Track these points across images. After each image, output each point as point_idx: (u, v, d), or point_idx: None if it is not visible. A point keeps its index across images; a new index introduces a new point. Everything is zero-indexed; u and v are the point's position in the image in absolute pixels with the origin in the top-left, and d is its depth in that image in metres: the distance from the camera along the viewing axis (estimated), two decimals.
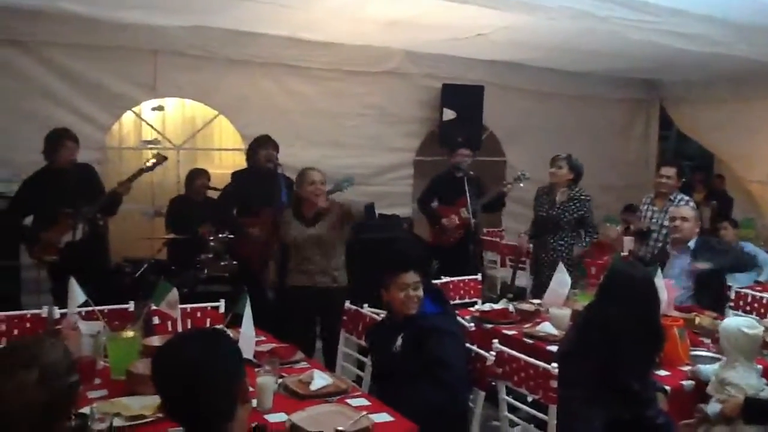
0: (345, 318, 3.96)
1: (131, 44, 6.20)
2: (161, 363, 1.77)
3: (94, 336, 2.89)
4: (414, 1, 5.43)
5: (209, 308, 3.86)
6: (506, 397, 3.14)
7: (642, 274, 3.18)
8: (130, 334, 2.98)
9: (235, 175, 5.44)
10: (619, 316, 2.92)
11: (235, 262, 5.51)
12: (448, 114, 7.50)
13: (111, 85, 6.20)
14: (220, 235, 5.61)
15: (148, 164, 4.82)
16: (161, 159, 4.88)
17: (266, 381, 2.66)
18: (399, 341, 3.08)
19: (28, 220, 4.78)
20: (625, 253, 5.35)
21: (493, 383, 3.11)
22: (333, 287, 4.40)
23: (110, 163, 6.38)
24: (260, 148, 5.18)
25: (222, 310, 3.89)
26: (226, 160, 7.34)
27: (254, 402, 2.51)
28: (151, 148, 6.51)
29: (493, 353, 3.03)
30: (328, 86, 7.16)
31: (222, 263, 5.57)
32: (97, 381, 2.88)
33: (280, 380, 2.84)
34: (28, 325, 3.51)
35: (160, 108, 6.58)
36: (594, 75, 8.35)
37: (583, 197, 5.42)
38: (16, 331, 3.44)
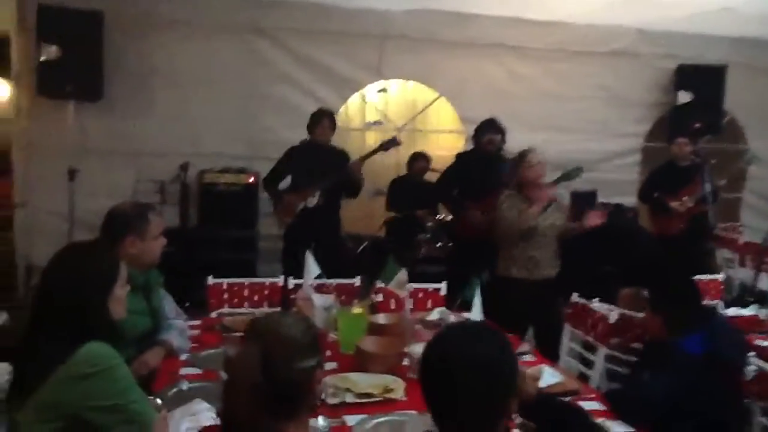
0: (570, 311, 3.76)
1: (360, 30, 6.43)
2: (444, 359, 1.61)
3: (327, 309, 2.99)
4: None
5: (431, 290, 3.84)
6: (762, 420, 2.77)
7: None
8: (358, 310, 3.05)
9: (459, 156, 5.42)
10: None
11: (450, 244, 5.52)
12: (684, 97, 6.87)
13: (340, 69, 6.47)
14: (438, 217, 5.64)
15: (383, 143, 4.95)
16: (394, 143, 4.99)
17: None
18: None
19: (285, 184, 5.11)
20: None
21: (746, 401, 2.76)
22: (550, 279, 4.19)
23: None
24: (485, 131, 5.10)
25: (443, 292, 3.86)
26: (444, 142, 7.35)
27: None
28: (374, 129, 6.72)
29: (753, 368, 2.68)
30: (552, 68, 6.89)
31: (438, 244, 5.59)
32: (328, 353, 2.98)
33: None
34: (266, 292, 3.75)
35: (384, 90, 6.74)
36: None
37: None
38: (256, 297, 3.70)
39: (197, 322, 3.26)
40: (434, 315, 3.35)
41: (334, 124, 5.10)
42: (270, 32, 6.34)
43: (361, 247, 5.60)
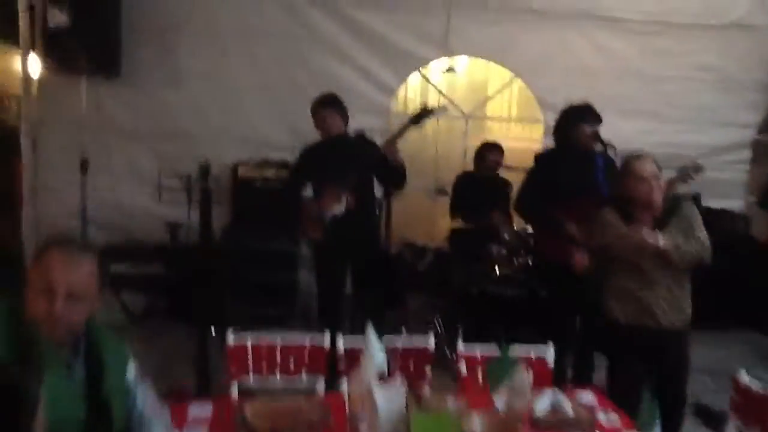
0: (738, 398, 2.63)
1: None
2: None
3: (394, 409, 1.99)
4: None
5: (533, 357, 2.78)
6: None
7: None
8: (443, 405, 2.04)
9: (542, 158, 4.29)
10: None
11: (530, 262, 4.54)
12: None
13: (400, 42, 5.49)
14: (515, 228, 4.67)
15: (414, 116, 3.96)
16: (428, 114, 3.98)
17: None
18: None
19: (307, 193, 4.20)
20: None
21: None
22: (679, 328, 3.18)
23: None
24: (578, 121, 4.03)
25: (550, 362, 2.82)
26: (519, 132, 6.33)
27: None
28: (438, 116, 5.73)
29: None
30: (650, 43, 5.78)
31: (516, 260, 4.62)
32: None
33: None
34: (305, 358, 2.80)
35: (452, 70, 5.70)
36: None
37: None
38: (292, 363, 2.77)
39: (208, 407, 2.36)
40: (543, 403, 2.27)
41: (342, 108, 4.12)
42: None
43: (423, 262, 4.66)
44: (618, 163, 3.91)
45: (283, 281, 4.71)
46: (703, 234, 3.07)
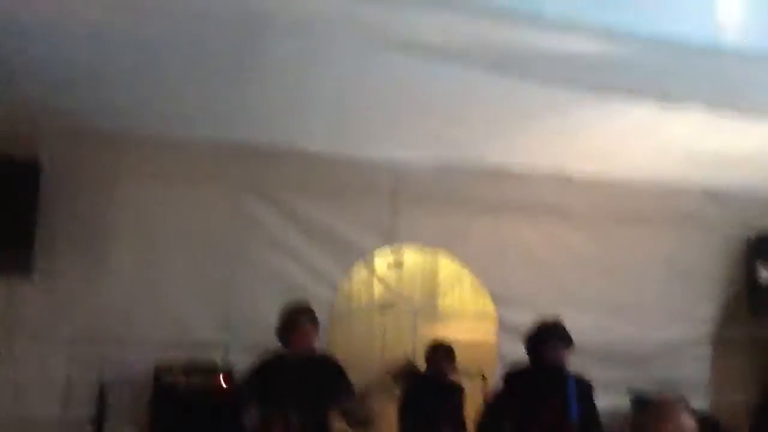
0: None
1: (368, 185, 5.22)
2: None
3: None
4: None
5: None
6: None
7: None
8: None
9: (511, 377, 3.86)
10: None
11: None
12: (765, 273, 5.60)
13: (343, 232, 5.21)
14: None
15: (396, 372, 3.56)
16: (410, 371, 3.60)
17: None
18: None
19: (251, 420, 3.62)
20: None
21: None
22: None
23: (337, 328, 5.26)
24: (547, 339, 3.67)
25: None
26: (473, 326, 5.97)
27: None
28: (385, 312, 5.36)
29: None
30: (601, 234, 5.64)
31: None
32: None
33: None
34: None
35: (399, 265, 5.41)
36: None
37: None
38: None
39: None
40: None
41: (317, 321, 3.69)
42: (261, 187, 5.11)
43: None
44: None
45: None
46: None
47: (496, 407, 3.68)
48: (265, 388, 3.50)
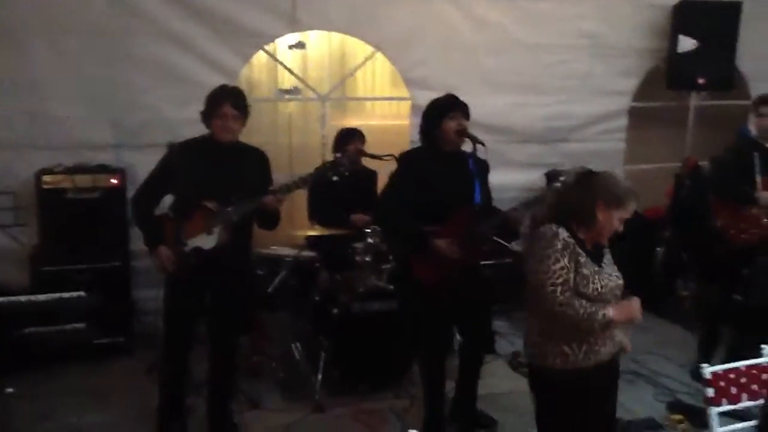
0: None
1: None
2: None
3: None
4: None
5: None
6: None
7: None
8: None
9: (406, 157, 3.59)
10: None
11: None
12: (686, 43, 5.40)
13: (242, 18, 4.67)
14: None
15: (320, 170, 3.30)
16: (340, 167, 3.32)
17: None
18: None
19: (167, 203, 3.35)
20: None
21: None
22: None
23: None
24: (442, 117, 3.38)
25: None
26: (383, 111, 5.69)
27: None
28: (289, 99, 4.97)
29: None
30: (525, 10, 5.28)
31: (382, 266, 4.03)
32: None
33: None
34: None
35: (301, 45, 4.94)
36: None
37: None
38: None
39: None
40: None
41: (245, 107, 3.33)
42: None
43: (273, 285, 3.97)
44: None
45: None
46: None
47: (392, 190, 3.46)
48: (181, 175, 3.17)
